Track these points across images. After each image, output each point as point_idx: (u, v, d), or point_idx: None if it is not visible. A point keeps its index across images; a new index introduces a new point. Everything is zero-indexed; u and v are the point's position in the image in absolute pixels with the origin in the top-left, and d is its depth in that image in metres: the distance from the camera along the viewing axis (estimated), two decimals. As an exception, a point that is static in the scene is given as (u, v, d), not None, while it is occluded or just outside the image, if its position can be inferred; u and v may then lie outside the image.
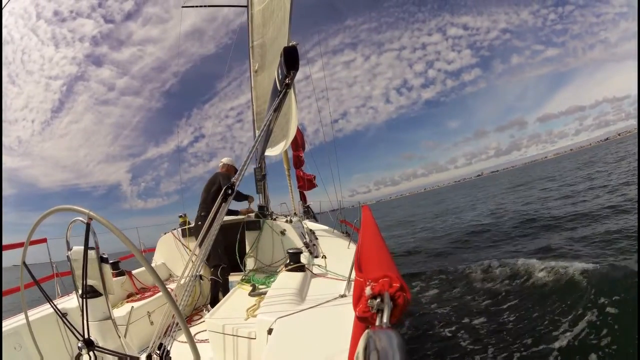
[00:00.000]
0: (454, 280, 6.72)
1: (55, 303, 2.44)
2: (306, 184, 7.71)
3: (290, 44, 1.62)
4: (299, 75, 1.72)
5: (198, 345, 1.27)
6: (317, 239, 4.18)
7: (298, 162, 7.88)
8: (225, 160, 4.35)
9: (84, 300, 1.39)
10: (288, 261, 2.64)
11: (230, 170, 4.23)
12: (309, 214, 7.68)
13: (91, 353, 1.36)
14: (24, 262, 1.61)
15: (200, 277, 3.63)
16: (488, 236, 10.70)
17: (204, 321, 2.81)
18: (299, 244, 3.37)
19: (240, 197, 4.22)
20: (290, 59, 1.58)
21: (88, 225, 1.31)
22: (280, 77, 1.67)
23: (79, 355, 1.40)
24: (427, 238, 13.24)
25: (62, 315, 1.54)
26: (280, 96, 1.71)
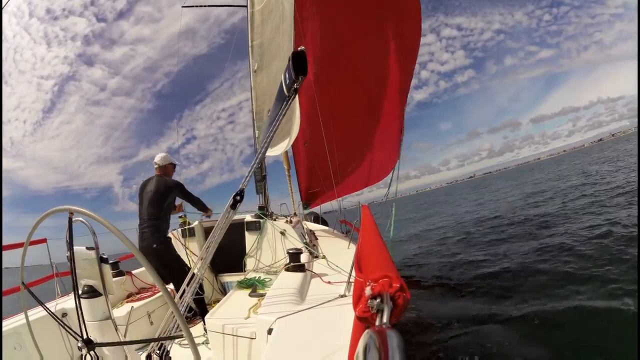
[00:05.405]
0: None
1: (55, 303, 2.45)
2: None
3: (300, 48, 1.60)
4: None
5: (198, 345, 1.28)
6: (317, 239, 4.17)
7: None
8: (158, 159, 3.33)
9: (78, 298, 1.40)
10: (288, 261, 2.64)
11: (168, 172, 3.39)
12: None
13: (92, 352, 1.37)
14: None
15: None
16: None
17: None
18: (299, 244, 3.38)
19: (204, 206, 3.63)
20: (299, 64, 1.56)
21: (70, 219, 1.34)
22: (287, 82, 1.65)
23: (82, 356, 1.40)
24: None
25: (62, 315, 1.55)
26: (289, 101, 1.70)
